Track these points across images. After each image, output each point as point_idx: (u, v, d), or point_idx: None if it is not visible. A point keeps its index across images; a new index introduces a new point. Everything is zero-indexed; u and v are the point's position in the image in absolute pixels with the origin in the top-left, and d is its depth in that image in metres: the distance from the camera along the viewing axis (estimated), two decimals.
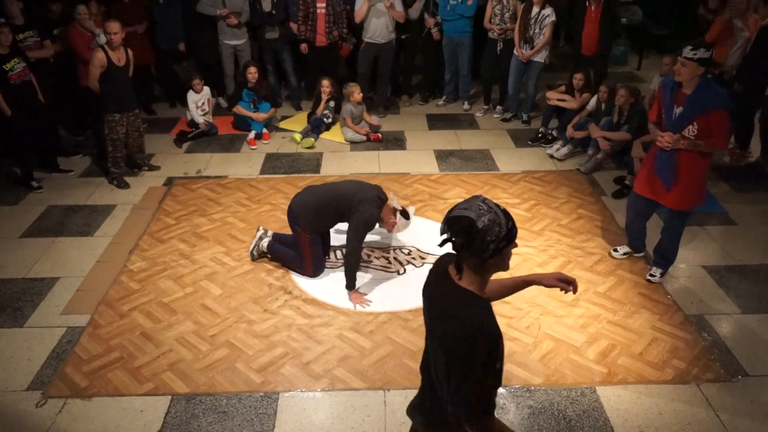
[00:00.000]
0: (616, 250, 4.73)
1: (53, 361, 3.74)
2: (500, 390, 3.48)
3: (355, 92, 6.86)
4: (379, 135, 6.93)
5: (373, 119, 7.08)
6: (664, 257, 4.44)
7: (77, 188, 5.89)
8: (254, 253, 4.67)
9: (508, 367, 3.65)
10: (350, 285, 4.26)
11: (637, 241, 4.65)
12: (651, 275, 4.46)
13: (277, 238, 4.70)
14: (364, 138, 6.87)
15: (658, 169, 4.09)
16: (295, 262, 4.52)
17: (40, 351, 3.83)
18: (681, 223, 4.29)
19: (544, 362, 3.70)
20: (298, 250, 4.44)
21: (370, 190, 4.30)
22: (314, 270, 4.48)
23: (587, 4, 6.71)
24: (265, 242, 4.65)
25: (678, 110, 3.93)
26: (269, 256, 4.67)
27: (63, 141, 6.62)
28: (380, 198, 4.28)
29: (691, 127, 3.88)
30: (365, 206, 4.17)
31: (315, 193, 4.39)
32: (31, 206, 5.56)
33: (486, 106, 7.69)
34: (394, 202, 4.68)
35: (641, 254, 4.68)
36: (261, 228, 4.78)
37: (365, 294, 4.29)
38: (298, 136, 6.84)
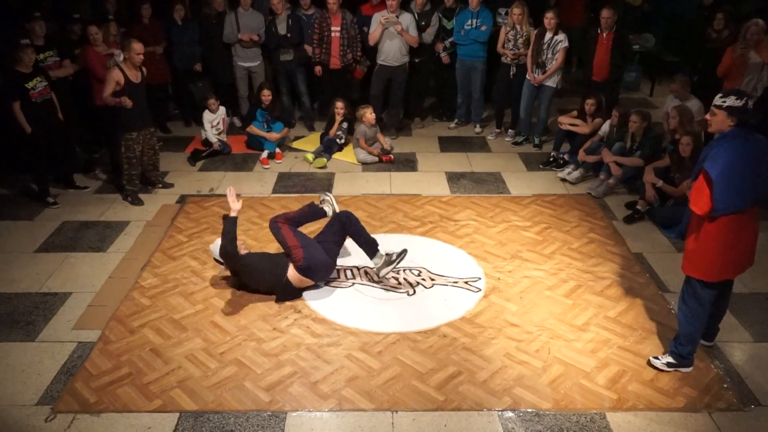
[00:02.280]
0: (657, 359, 3.86)
1: (63, 376, 3.76)
2: (508, 414, 3.47)
3: (367, 113, 6.93)
4: (391, 156, 6.98)
5: (386, 141, 7.13)
6: (676, 337, 3.78)
7: (92, 204, 5.96)
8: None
9: (517, 391, 3.63)
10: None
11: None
12: (654, 358, 3.83)
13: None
14: (376, 159, 6.92)
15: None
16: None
17: (51, 365, 3.86)
18: (688, 290, 3.65)
19: (554, 386, 3.67)
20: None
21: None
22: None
23: (599, 31, 6.78)
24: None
25: None
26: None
27: (79, 158, 6.72)
28: None
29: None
30: None
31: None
32: (47, 222, 5.64)
33: (498, 130, 7.72)
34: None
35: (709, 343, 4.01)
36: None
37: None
38: (310, 156, 6.90)
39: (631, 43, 8.19)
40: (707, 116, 3.47)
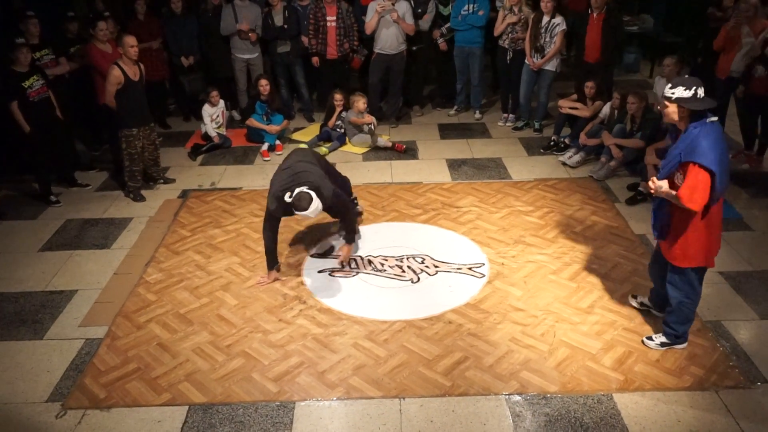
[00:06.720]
0: (635, 297, 4.20)
1: (72, 373, 3.79)
2: (515, 398, 3.49)
3: (359, 102, 6.93)
4: (403, 145, 6.92)
5: (382, 140, 7.10)
6: (666, 322, 3.77)
7: (94, 202, 5.97)
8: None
9: (523, 375, 3.64)
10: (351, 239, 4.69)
11: (654, 292, 4.03)
12: (648, 338, 3.86)
13: None
14: (370, 143, 6.92)
15: (652, 211, 3.63)
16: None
17: (60, 363, 3.88)
18: (679, 280, 3.59)
19: (560, 369, 3.68)
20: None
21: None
22: None
23: (590, 11, 6.72)
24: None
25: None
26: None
27: (80, 156, 6.72)
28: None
29: (679, 174, 3.34)
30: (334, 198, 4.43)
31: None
32: (50, 220, 5.65)
33: (506, 115, 7.67)
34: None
35: (662, 314, 3.95)
36: None
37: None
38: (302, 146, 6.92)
39: (626, 25, 8.12)
40: (659, 107, 3.47)
